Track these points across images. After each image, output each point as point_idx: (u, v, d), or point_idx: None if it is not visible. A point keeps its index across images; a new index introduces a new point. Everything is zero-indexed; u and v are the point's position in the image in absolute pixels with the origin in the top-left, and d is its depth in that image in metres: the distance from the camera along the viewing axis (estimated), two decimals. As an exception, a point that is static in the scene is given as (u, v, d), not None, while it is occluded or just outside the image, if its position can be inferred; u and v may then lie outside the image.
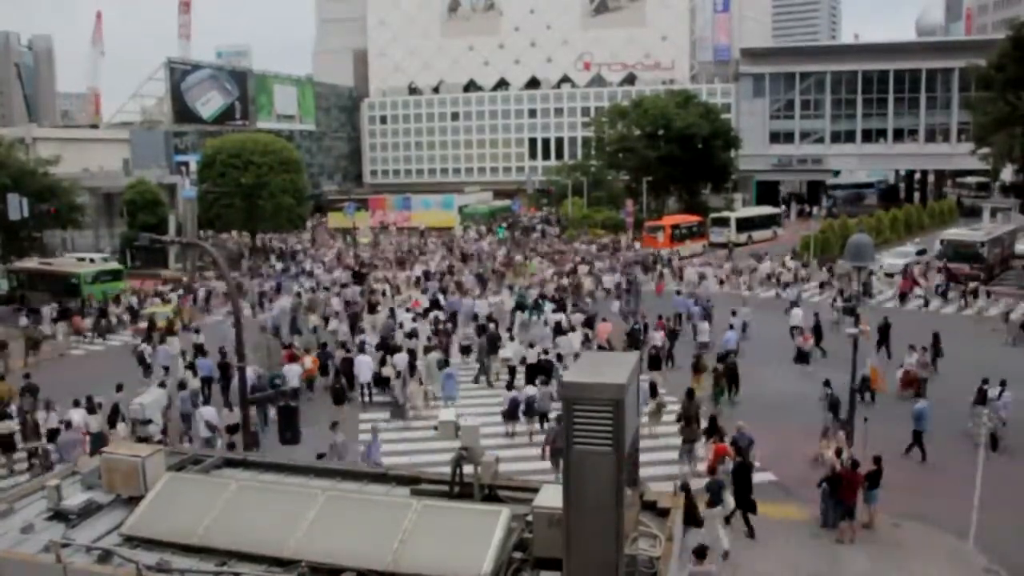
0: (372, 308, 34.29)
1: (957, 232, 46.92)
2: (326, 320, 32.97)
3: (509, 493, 7.89)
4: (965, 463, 16.60)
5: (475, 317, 31.84)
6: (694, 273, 43.07)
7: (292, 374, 24.32)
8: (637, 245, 56.29)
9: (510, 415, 21.60)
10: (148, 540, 7.29)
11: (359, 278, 43.01)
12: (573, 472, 6.02)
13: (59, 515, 7.88)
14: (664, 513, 7.63)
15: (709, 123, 68.35)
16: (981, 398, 20.12)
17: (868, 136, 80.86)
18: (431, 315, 31.85)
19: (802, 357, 27.38)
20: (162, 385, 23.32)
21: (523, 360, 25.28)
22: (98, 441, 18.76)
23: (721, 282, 42.94)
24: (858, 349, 18.90)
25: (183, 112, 78.03)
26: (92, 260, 47.72)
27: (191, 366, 25.80)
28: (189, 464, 8.95)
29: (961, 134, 73.43)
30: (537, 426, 21.30)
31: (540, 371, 23.74)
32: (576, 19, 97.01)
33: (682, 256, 51.93)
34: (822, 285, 41.11)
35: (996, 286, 40.19)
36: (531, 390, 21.90)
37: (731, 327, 28.62)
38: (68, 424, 19.79)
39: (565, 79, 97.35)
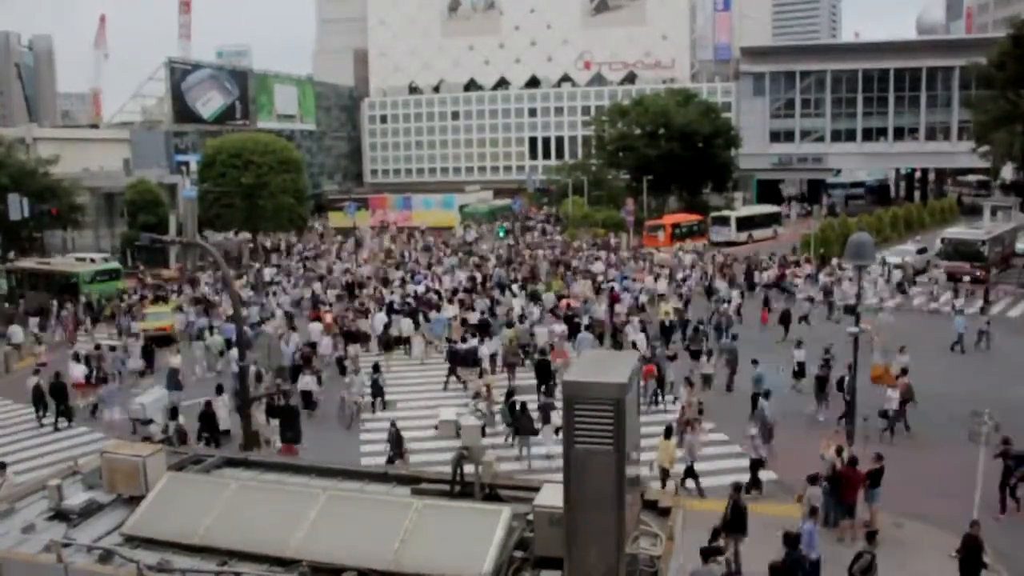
0: (353, 336, 30.02)
1: (958, 231, 46.87)
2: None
3: (510, 492, 7.88)
4: (966, 463, 16.61)
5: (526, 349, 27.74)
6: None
7: (315, 331, 29.69)
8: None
9: (451, 363, 26.32)
10: (149, 540, 7.29)
11: (350, 290, 40.29)
12: (574, 471, 6.01)
13: (60, 515, 7.88)
14: (665, 512, 7.62)
15: (710, 122, 68.41)
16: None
17: (868, 135, 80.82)
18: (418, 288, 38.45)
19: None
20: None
21: (463, 320, 30.75)
22: None
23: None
24: (858, 348, 18.93)
25: (183, 112, 78.04)
26: (92, 260, 47.79)
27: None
28: (190, 464, 8.95)
29: (962, 132, 73.36)
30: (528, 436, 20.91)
31: (481, 329, 28.91)
32: (576, 18, 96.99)
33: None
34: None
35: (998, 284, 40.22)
36: (473, 342, 26.79)
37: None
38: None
39: (565, 78, 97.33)
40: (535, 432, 20.16)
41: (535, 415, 20.57)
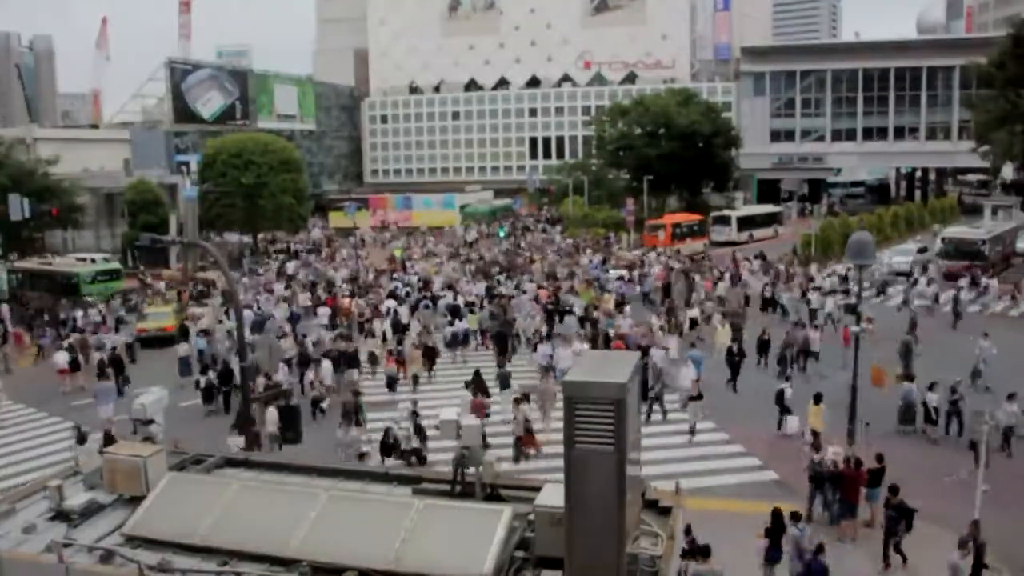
0: (349, 359, 26.79)
1: (958, 230, 46.87)
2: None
3: (511, 492, 7.88)
4: (967, 462, 16.62)
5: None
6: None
7: (323, 315, 34.01)
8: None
9: (452, 344, 29.76)
10: (150, 540, 7.29)
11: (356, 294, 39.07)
12: (575, 471, 6.01)
13: (61, 515, 7.88)
14: (666, 512, 7.63)
15: (710, 122, 68.38)
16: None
17: (869, 134, 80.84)
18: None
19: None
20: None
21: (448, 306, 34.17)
22: None
23: None
24: (859, 347, 18.91)
25: (184, 112, 78.02)
26: (93, 260, 47.82)
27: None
28: (190, 464, 8.95)
29: (962, 132, 73.38)
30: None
31: (453, 312, 32.79)
32: (576, 18, 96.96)
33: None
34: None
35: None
36: (461, 324, 30.85)
37: None
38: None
39: (566, 78, 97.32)
40: (488, 394, 22.73)
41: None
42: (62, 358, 28.32)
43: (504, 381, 23.55)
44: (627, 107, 71.38)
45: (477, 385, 22.83)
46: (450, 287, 38.81)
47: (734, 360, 25.10)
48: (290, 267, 51.53)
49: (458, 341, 29.96)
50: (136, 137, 71.68)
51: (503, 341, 28.32)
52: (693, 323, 29.91)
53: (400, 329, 31.59)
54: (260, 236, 65.09)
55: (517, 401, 20.76)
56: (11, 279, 44.24)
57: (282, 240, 67.66)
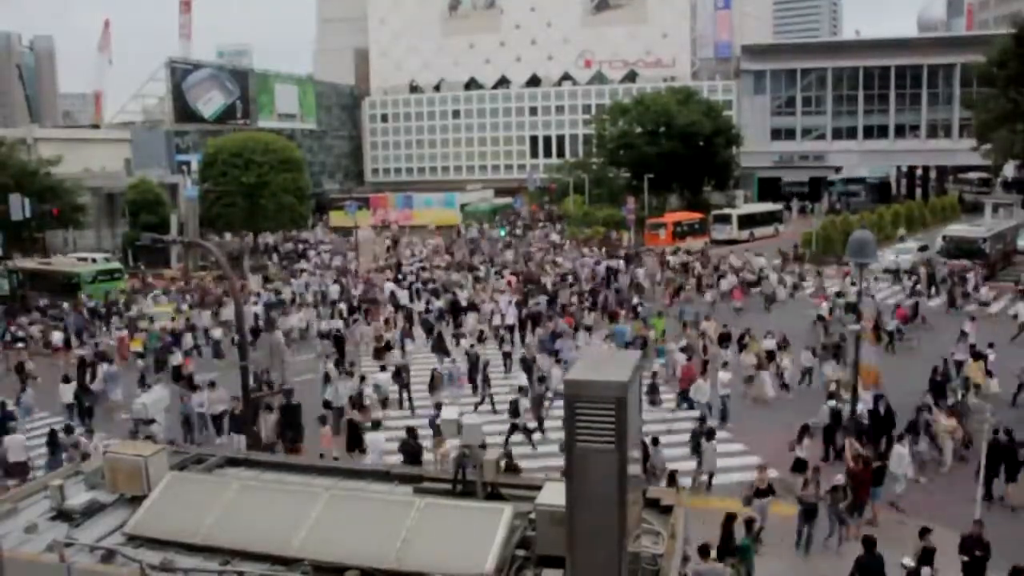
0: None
1: (959, 228, 46.80)
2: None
3: (512, 491, 7.89)
4: (968, 460, 16.62)
5: None
6: None
7: (332, 292, 38.19)
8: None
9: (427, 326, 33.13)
10: (151, 539, 7.30)
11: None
12: (576, 470, 6.01)
13: (63, 515, 7.90)
14: (667, 510, 7.63)
15: (711, 120, 68.33)
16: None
17: (870, 132, 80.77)
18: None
19: None
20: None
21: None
22: None
23: None
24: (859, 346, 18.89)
25: (184, 111, 78.03)
26: (93, 260, 47.85)
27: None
28: (192, 463, 8.96)
29: (963, 130, 73.26)
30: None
31: (435, 294, 37.88)
32: (577, 17, 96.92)
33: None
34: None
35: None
36: (436, 304, 35.28)
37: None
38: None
39: (566, 77, 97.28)
40: (448, 352, 26.91)
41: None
42: (57, 337, 31.55)
43: (458, 340, 28.97)
44: (627, 106, 71.32)
45: (438, 346, 27.86)
46: (473, 306, 34.39)
47: (881, 425, 18.28)
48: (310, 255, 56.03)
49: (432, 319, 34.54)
50: (137, 137, 71.72)
51: (456, 309, 34.09)
52: (770, 355, 24.64)
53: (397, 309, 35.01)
54: (284, 236, 65.83)
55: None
56: (11, 279, 44.24)
57: (295, 240, 67.18)
